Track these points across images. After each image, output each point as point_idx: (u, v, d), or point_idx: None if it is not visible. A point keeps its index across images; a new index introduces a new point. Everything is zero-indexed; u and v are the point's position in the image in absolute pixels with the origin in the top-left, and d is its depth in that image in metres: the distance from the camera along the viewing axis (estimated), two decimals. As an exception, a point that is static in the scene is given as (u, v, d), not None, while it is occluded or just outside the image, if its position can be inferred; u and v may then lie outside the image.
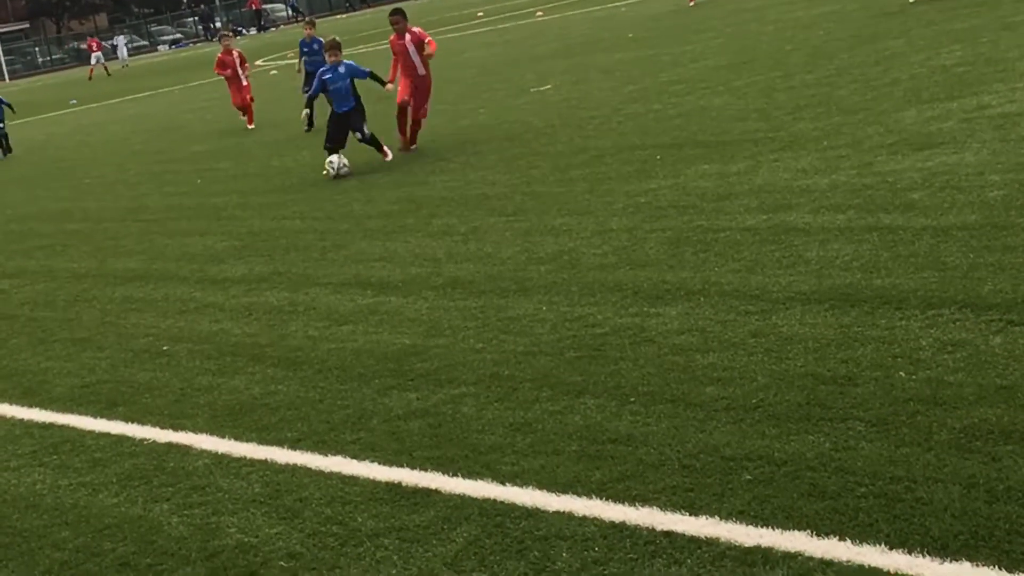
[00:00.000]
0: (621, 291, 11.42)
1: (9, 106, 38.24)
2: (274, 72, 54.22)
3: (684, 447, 7.85)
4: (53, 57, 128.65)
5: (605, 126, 20.93)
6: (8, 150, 38.55)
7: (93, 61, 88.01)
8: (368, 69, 22.59)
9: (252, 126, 32.29)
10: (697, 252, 12.21)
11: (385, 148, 22.18)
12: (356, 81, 22.39)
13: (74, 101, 60.94)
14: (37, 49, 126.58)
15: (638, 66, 28.84)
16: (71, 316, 14.85)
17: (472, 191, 17.66)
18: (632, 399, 8.79)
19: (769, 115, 18.79)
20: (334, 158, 21.45)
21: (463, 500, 7.72)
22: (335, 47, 22.56)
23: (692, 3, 41.75)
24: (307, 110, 28.39)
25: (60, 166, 32.99)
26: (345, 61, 22.34)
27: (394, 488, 8.10)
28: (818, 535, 6.46)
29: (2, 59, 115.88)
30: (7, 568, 8.02)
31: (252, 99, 33.00)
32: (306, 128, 28.38)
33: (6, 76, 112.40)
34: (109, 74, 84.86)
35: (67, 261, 18.56)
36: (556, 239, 13.84)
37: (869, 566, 6.11)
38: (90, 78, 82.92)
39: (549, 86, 28.34)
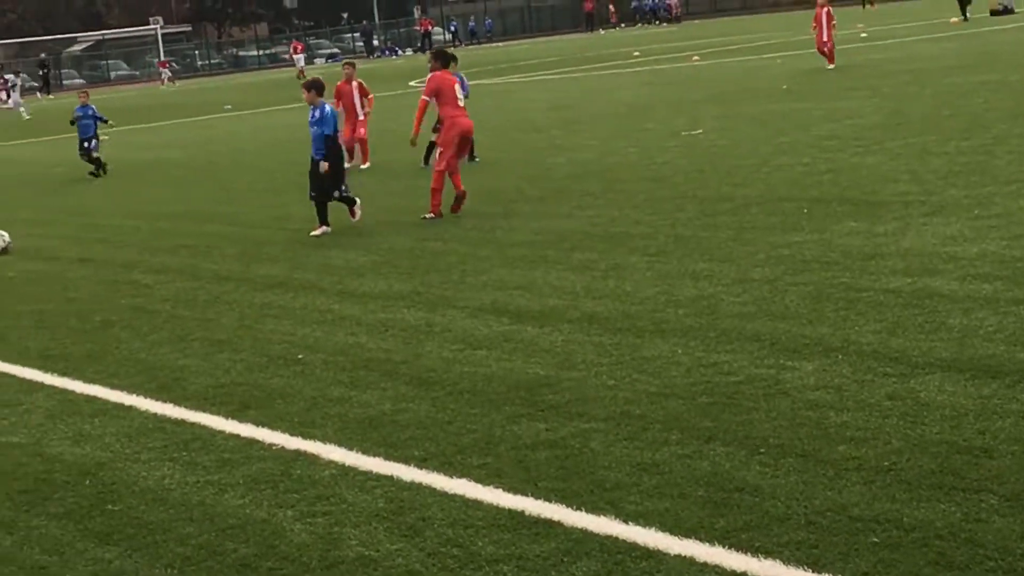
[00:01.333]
0: (758, 341, 11.36)
1: (105, 121, 35.71)
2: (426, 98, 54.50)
3: (811, 503, 7.78)
4: (212, 61, 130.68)
5: (753, 175, 20.85)
6: (101, 169, 34.92)
7: (300, 63, 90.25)
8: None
9: (366, 165, 29.67)
10: (838, 309, 12.12)
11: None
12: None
13: (228, 107, 61.79)
14: (197, 52, 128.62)
15: (790, 118, 28.70)
16: (210, 316, 15.05)
17: (615, 228, 17.66)
18: (762, 450, 8.73)
19: (921, 178, 18.60)
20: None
21: (585, 535, 7.71)
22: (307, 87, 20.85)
23: (832, 65, 41.07)
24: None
25: (212, 169, 33.47)
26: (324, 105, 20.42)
27: (517, 516, 8.10)
28: (943, 605, 6.38)
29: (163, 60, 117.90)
30: (131, 559, 8.13)
31: (364, 137, 30.03)
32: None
33: (163, 77, 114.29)
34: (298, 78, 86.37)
35: (211, 262, 18.81)
36: (696, 283, 13.79)
37: (993, 641, 6.02)
38: (298, 76, 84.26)
39: (700, 131, 28.29)
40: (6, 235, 22.89)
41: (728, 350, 11.21)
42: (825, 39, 41.26)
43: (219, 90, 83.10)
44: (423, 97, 21.11)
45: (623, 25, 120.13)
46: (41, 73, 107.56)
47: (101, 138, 35.81)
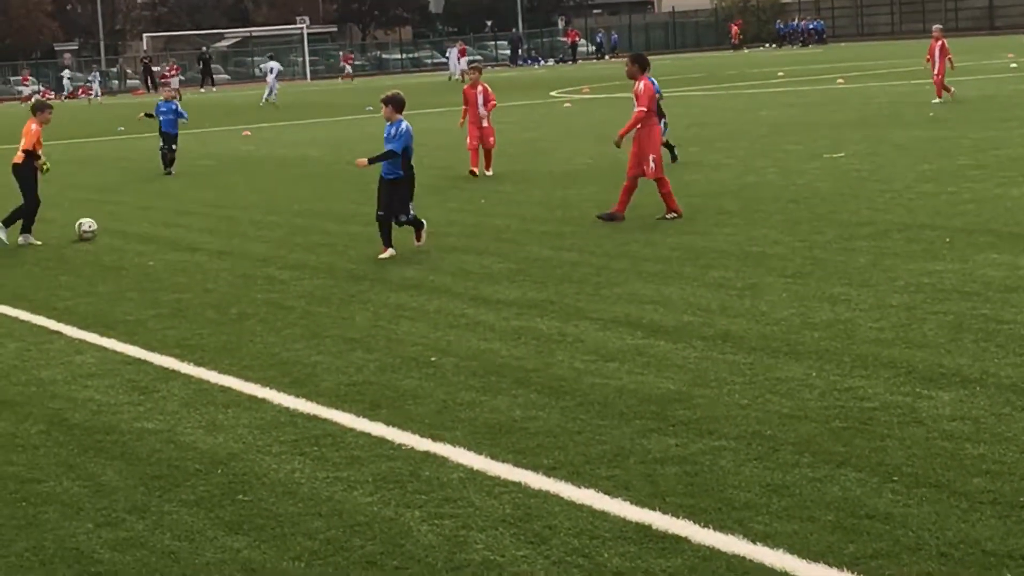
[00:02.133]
0: (895, 368, 11.24)
1: (184, 117, 35.53)
2: (568, 104, 54.71)
3: (944, 534, 7.68)
4: (355, 63, 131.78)
5: (895, 201, 20.65)
6: (171, 168, 35.11)
7: (463, 66, 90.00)
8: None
9: (489, 173, 29.41)
10: (978, 340, 11.96)
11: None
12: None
13: (370, 108, 62.24)
14: (341, 53, 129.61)
15: (936, 146, 28.39)
16: (345, 315, 15.16)
17: (752, 248, 17.57)
18: (895, 478, 8.64)
19: (1067, 212, 18.31)
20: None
21: (712, 552, 7.67)
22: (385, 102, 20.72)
23: (939, 99, 40.18)
24: None
25: (350, 168, 33.66)
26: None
27: (644, 530, 8.08)
28: (1076, 645, 6.27)
29: (308, 59, 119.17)
30: (259, 549, 8.21)
31: (492, 144, 29.85)
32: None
33: (308, 76, 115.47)
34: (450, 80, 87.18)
35: (347, 261, 18.95)
36: (833, 307, 13.68)
37: None
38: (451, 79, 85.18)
39: (842, 154, 28.07)
40: (92, 223, 23.22)
41: (863, 376, 11.11)
42: (936, 71, 40.62)
43: (361, 91, 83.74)
44: (642, 109, 20.91)
45: (768, 45, 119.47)
46: (200, 65, 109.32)
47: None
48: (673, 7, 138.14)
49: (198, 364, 13.14)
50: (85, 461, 10.26)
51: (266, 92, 72.41)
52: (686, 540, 7.88)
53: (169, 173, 34.28)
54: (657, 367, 11.89)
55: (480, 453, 9.78)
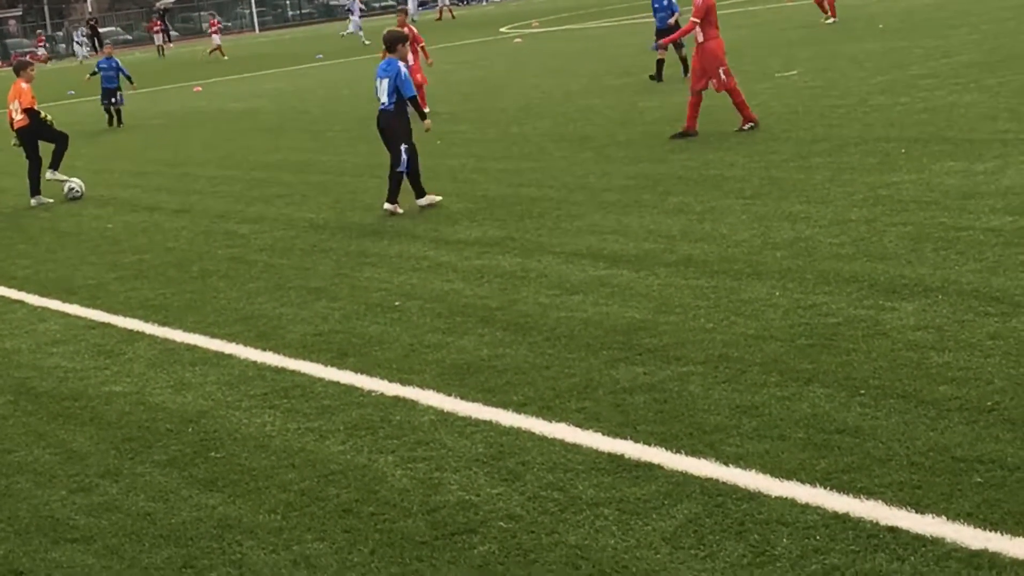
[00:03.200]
0: (857, 282, 11.27)
1: (128, 78, 38.07)
2: (518, 40, 54.53)
3: (913, 444, 7.72)
4: (303, 11, 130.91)
5: (849, 116, 20.65)
6: (119, 122, 37.84)
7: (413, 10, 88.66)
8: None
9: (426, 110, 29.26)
10: (938, 249, 11.99)
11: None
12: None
13: (320, 56, 61.97)
14: (288, 2, 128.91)
15: (888, 58, 28.38)
16: (307, 265, 15.13)
17: (710, 171, 17.56)
18: (862, 391, 8.68)
19: (1021, 115, 18.34)
20: None
21: (685, 477, 7.70)
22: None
23: (831, 19, 40.11)
24: None
25: (304, 117, 33.62)
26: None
27: (616, 460, 8.10)
28: (1050, 544, 6.32)
29: (254, 10, 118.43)
30: (235, 504, 8.21)
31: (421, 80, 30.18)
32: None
33: (256, 27, 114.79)
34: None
35: (306, 211, 18.90)
36: (793, 225, 13.69)
37: (1100, 581, 5.97)
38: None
39: (795, 72, 28.04)
40: (80, 182, 23.21)
41: (826, 292, 11.13)
42: None
43: (310, 40, 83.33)
44: (694, 20, 20.94)
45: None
46: (160, 24, 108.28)
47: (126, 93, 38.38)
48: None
49: (163, 324, 13.11)
50: (55, 428, 10.24)
51: (351, 27, 72.68)
52: (659, 467, 7.90)
53: (119, 125, 35.51)
54: (621, 297, 11.89)
55: (449, 394, 9.78)
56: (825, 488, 7.29)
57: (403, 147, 17.66)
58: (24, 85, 23.04)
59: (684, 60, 28.43)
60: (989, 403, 8.18)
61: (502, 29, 64.04)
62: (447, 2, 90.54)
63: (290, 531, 7.71)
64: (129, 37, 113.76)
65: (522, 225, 15.71)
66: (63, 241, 19.08)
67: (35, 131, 23.26)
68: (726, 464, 7.80)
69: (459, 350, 10.90)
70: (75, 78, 59.21)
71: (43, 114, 23.25)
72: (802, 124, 20.57)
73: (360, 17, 74.27)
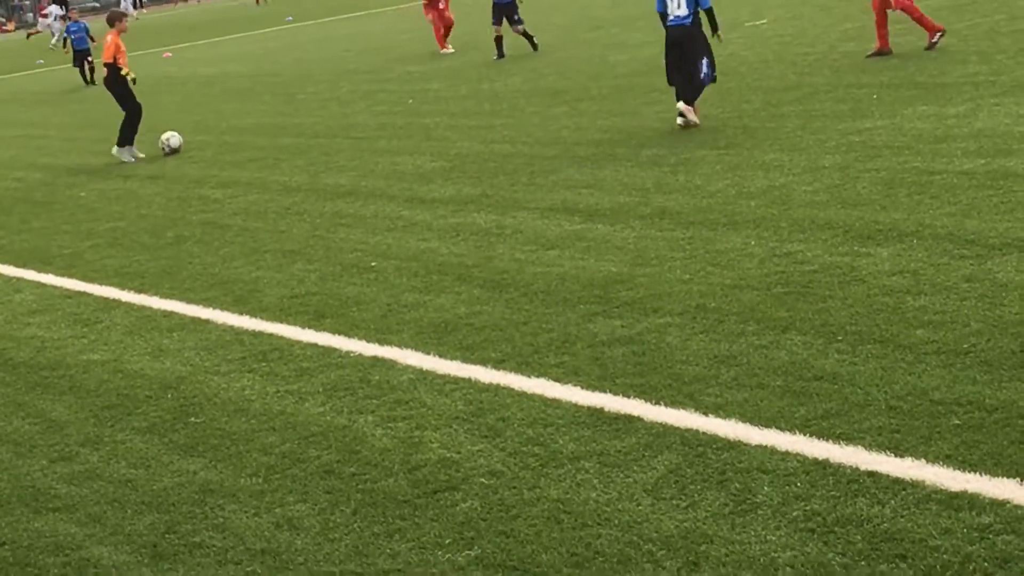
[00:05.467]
0: (832, 229, 11.27)
1: (92, 38, 40.25)
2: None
3: (891, 388, 7.74)
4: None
5: (820, 63, 20.64)
6: (92, 80, 40.15)
7: None
8: None
9: (450, 49, 32.80)
10: (911, 194, 12.00)
11: None
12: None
13: (290, 18, 61.74)
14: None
15: (856, 3, 28.23)
16: (282, 228, 15.10)
17: (683, 123, 17.52)
18: (839, 338, 8.69)
19: (991, 58, 18.34)
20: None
21: (665, 428, 7.72)
22: None
23: None
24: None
25: (275, 80, 33.50)
26: None
27: (596, 413, 8.11)
28: (1028, 484, 6.35)
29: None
30: (216, 469, 8.21)
31: (451, 20, 33.43)
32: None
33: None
34: None
35: (279, 174, 18.86)
36: (767, 174, 13.69)
37: (1080, 518, 6.00)
38: None
39: (764, 21, 28.00)
40: (178, 136, 23.14)
41: (801, 239, 11.14)
42: None
43: (279, 2, 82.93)
44: None
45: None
46: None
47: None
48: None
49: (139, 291, 13.08)
50: (33, 399, 10.23)
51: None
52: (639, 419, 7.92)
53: (92, 83, 37.51)
54: (597, 251, 11.89)
55: (428, 353, 9.78)
56: (804, 435, 7.31)
57: (704, 59, 17.43)
58: (109, 38, 22.99)
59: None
60: (966, 345, 8.20)
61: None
62: None
63: (272, 493, 7.72)
64: (97, 4, 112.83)
65: (496, 182, 15.69)
66: (36, 211, 19.02)
67: (109, 86, 23.16)
68: (706, 414, 7.81)
69: (436, 308, 10.89)
70: (44, 48, 59.00)
71: (125, 71, 23.05)
72: (773, 73, 20.55)
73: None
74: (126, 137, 22.94)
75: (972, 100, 15.63)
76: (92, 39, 40.17)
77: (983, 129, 14.03)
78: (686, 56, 17.37)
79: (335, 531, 7.10)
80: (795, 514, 6.43)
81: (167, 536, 7.39)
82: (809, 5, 29.59)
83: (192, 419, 9.18)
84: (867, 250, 10.53)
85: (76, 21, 41.54)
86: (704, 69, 17.35)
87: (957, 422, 7.14)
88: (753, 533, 6.33)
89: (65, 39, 41.52)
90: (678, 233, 11.99)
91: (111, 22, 23.11)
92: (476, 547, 6.67)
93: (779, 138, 15.44)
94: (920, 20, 20.14)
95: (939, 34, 20.04)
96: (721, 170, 14.24)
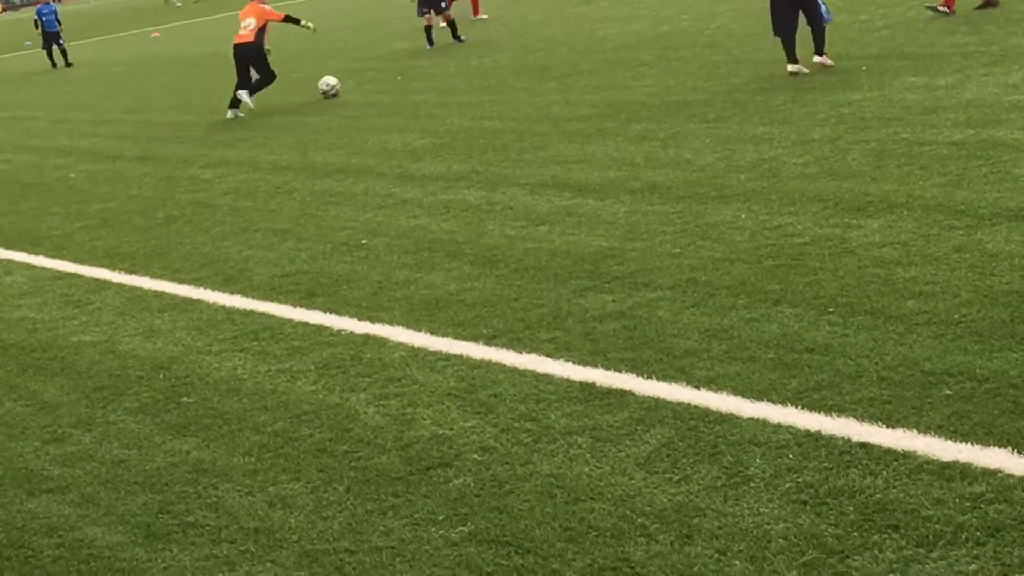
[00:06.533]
0: (822, 201, 11.27)
1: (59, 21, 41.54)
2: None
3: (883, 359, 7.74)
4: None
5: (809, 35, 20.56)
6: (67, 63, 41.54)
7: None
8: None
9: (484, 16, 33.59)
10: (901, 165, 12.00)
11: None
12: None
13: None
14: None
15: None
16: (272, 207, 15.08)
17: (672, 97, 17.53)
18: (831, 309, 8.69)
19: (980, 28, 18.34)
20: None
21: (657, 403, 7.72)
22: None
23: None
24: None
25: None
26: None
27: (588, 388, 8.11)
28: (1019, 453, 6.34)
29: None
30: (208, 449, 8.21)
31: None
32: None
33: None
34: None
35: (269, 153, 18.83)
36: (756, 147, 13.69)
37: (1071, 487, 6.01)
38: None
39: (753, -7, 27.97)
40: (333, 81, 23.23)
41: (792, 212, 11.14)
42: None
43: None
44: None
45: None
46: None
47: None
48: None
49: (130, 272, 13.06)
50: (25, 380, 10.22)
51: None
52: (631, 393, 7.92)
53: (68, 64, 38.07)
54: (588, 225, 11.88)
55: (420, 330, 9.77)
56: (796, 407, 7.31)
57: (822, 3, 17.56)
58: (264, 6, 23.61)
59: None
60: (956, 316, 8.21)
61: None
62: None
63: (265, 472, 7.72)
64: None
65: (486, 158, 15.67)
66: (26, 192, 18.99)
67: (249, 52, 23.75)
68: (697, 388, 7.81)
69: (427, 285, 10.88)
70: (32, 29, 58.86)
71: (303, 22, 24.19)
72: (762, 46, 20.50)
73: None
74: (251, 88, 23.91)
75: (961, 71, 15.62)
76: (59, 22, 41.12)
77: (972, 100, 14.03)
78: (805, 3, 17.47)
79: (328, 509, 7.10)
80: (787, 486, 6.44)
81: (160, 516, 7.39)
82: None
83: (184, 399, 9.17)
84: (857, 222, 10.53)
85: (47, 3, 42.45)
86: (824, 11, 17.58)
87: (948, 392, 7.15)
88: (746, 505, 6.33)
89: (36, 21, 41.82)
90: (668, 207, 11.99)
91: None
92: (469, 523, 6.67)
93: (768, 111, 15.43)
94: None
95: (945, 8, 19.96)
96: (711, 144, 14.23)
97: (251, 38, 23.53)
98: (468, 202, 13.57)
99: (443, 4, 28.57)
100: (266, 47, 23.52)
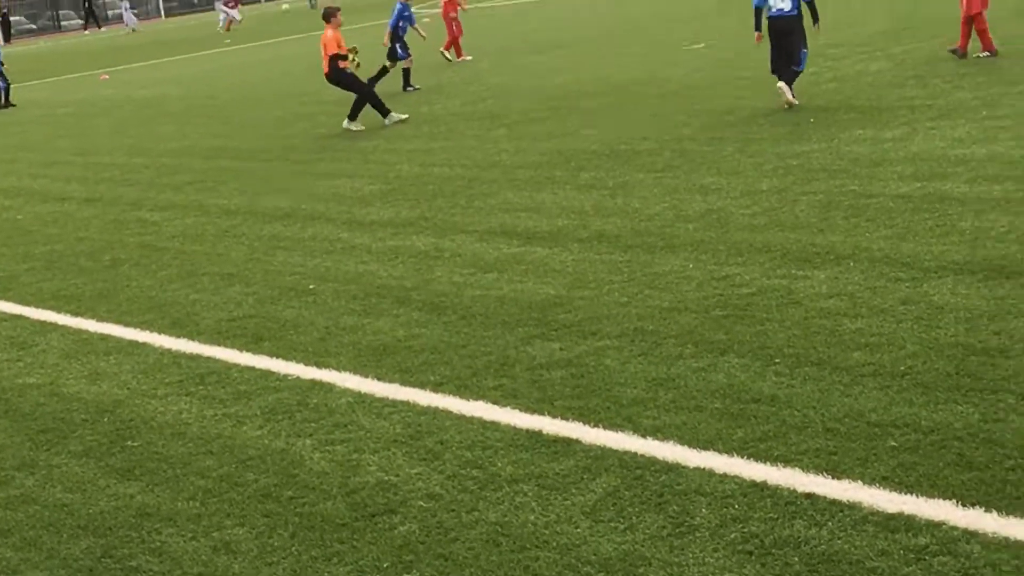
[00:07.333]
0: (769, 252, 11.33)
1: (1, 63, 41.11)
2: (427, 19, 54.33)
3: (828, 410, 7.78)
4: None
5: (758, 87, 20.73)
6: (7, 102, 41.29)
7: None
8: None
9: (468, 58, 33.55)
10: (848, 217, 12.08)
11: None
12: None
13: (228, 40, 61.65)
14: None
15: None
16: (220, 251, 15.03)
17: (621, 146, 17.60)
18: (777, 360, 8.73)
19: (927, 82, 18.52)
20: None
21: (603, 451, 7.72)
22: None
23: None
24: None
25: (212, 103, 33.36)
26: None
27: (535, 436, 8.11)
28: (964, 505, 6.39)
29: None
30: (153, 493, 8.16)
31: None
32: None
33: (162, 14, 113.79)
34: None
35: (217, 197, 18.77)
36: (705, 197, 13.75)
37: (1015, 539, 6.04)
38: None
39: (702, 44, 28.14)
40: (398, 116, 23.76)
41: (739, 262, 11.19)
42: None
43: (217, 24, 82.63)
44: None
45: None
46: (85, 6, 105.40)
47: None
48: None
49: (75, 314, 12.99)
50: (-32, 423, 10.13)
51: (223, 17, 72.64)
52: (577, 441, 7.92)
53: (7, 105, 38.47)
54: (536, 273, 11.90)
55: (366, 376, 9.75)
56: (742, 457, 7.33)
57: (804, 50, 18.70)
58: (330, 33, 23.54)
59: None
60: (902, 368, 8.26)
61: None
62: None
63: (209, 517, 7.67)
64: (34, 26, 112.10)
65: (435, 204, 15.68)
66: (-28, 234, 18.88)
67: (336, 79, 23.81)
68: (644, 436, 7.82)
69: (375, 331, 10.87)
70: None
71: (349, 57, 23.81)
72: (712, 96, 20.65)
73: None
74: (355, 111, 23.93)
75: (908, 124, 15.77)
76: (2, 63, 40.89)
77: (919, 153, 14.15)
78: (791, 44, 18.55)
79: (273, 555, 7.07)
80: (733, 536, 6.45)
81: (103, 560, 7.33)
82: (748, 29, 29.71)
83: (129, 443, 9.11)
84: (804, 273, 10.59)
85: None
86: (802, 57, 18.61)
87: (893, 444, 7.19)
88: (691, 555, 6.34)
89: None
90: (616, 256, 12.02)
91: (327, 19, 23.83)
92: (415, 570, 6.65)
93: (717, 161, 15.51)
94: (984, 32, 20.18)
95: (988, 53, 20.15)
96: (659, 193, 14.29)
97: (326, 69, 23.94)
98: (417, 248, 13.57)
99: (399, 52, 28.55)
100: (352, 60, 23.56)
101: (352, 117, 23.76)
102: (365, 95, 23.69)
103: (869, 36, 25.05)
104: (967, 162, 13.37)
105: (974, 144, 14.11)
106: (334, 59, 23.41)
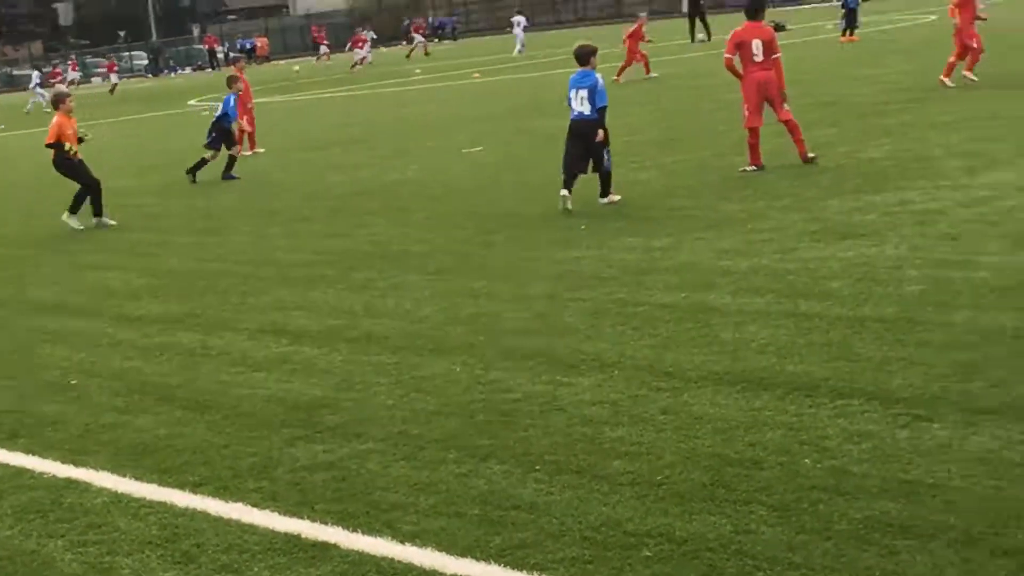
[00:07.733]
0: (536, 358, 11.41)
1: None
2: (206, 113, 54.08)
3: (586, 519, 7.83)
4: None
5: (534, 193, 20.95)
6: None
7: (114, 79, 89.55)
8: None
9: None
10: (615, 324, 12.24)
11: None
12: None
13: (2, 126, 60.64)
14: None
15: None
16: (-20, 343, 14.68)
17: (395, 247, 17.64)
18: (538, 467, 8.77)
19: (697, 193, 18.92)
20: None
21: (361, 557, 7.66)
22: None
23: (617, 79, 41.87)
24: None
25: (-17, 190, 32.70)
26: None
27: (293, 540, 8.02)
28: (713, 616, 6.46)
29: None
30: None
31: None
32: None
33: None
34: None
35: (-18, 286, 18.36)
36: (476, 301, 13.83)
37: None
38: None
39: (481, 148, 28.41)
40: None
41: (506, 367, 11.25)
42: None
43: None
44: (727, 55, 21.30)
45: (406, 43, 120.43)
46: None
47: None
48: (308, 9, 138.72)
49: None
50: None
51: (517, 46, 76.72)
52: (335, 546, 7.85)
53: None
54: (304, 373, 11.83)
55: (124, 475, 9.56)
56: (499, 564, 7.33)
57: (606, 150, 19.17)
58: (56, 118, 23.16)
59: None
60: (659, 477, 8.36)
61: (191, 102, 63.45)
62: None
63: (-48, 622, 7.44)
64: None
65: (205, 301, 15.53)
66: None
67: (57, 166, 23.33)
68: (403, 542, 7.79)
69: (136, 429, 10.68)
70: None
71: (68, 147, 23.20)
72: (487, 200, 20.83)
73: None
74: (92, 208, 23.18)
75: (675, 234, 16.06)
76: None
77: (685, 263, 14.43)
78: (592, 148, 19.02)
79: (16, 661, 6.87)
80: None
81: None
82: (527, 133, 30.16)
83: None
84: (569, 379, 10.68)
85: None
86: (607, 158, 19.18)
87: (648, 554, 7.25)
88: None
89: None
90: (384, 358, 12.01)
91: (55, 104, 23.54)
92: None
93: (490, 265, 15.63)
94: (753, 147, 20.73)
95: (752, 167, 20.63)
96: (430, 296, 14.34)
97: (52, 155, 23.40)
98: (184, 345, 13.40)
99: (209, 142, 28.53)
100: (71, 150, 23.00)
101: (72, 211, 23.30)
102: (87, 190, 23.29)
103: (641, 145, 25.55)
104: (731, 273, 13.66)
105: (738, 256, 14.44)
106: (53, 146, 23.17)
